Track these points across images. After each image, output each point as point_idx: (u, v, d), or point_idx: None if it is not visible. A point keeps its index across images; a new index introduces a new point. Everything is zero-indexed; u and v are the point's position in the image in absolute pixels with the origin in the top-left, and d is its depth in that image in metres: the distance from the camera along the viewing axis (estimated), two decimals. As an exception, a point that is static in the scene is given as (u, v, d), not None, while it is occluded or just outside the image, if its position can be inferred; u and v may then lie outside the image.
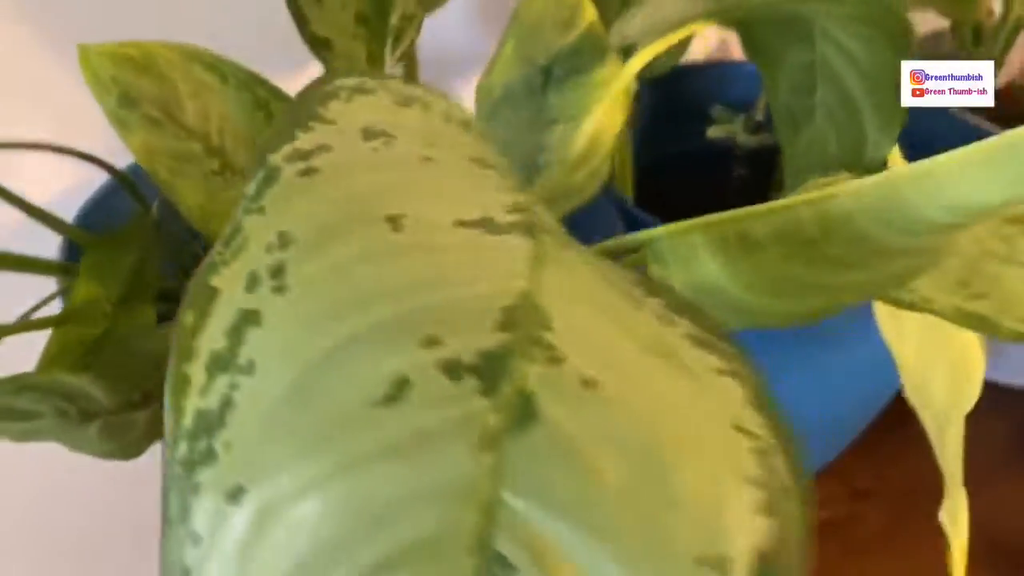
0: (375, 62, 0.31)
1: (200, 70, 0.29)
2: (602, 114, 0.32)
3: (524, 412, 0.14)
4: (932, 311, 0.23)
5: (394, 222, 0.16)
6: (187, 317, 0.15)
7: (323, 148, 0.16)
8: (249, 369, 0.14)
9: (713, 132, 0.55)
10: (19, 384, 0.28)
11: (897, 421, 0.41)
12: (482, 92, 0.35)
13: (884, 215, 0.19)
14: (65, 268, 0.33)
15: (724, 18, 0.32)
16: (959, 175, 0.18)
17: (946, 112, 0.54)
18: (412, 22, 0.32)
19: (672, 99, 0.59)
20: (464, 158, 0.18)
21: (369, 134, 0.18)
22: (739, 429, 0.15)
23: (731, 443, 0.14)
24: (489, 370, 0.14)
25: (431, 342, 0.14)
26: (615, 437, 0.14)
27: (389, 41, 0.32)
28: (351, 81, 0.18)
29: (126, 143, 0.28)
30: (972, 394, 0.42)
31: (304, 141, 0.16)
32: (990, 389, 0.68)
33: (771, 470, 0.14)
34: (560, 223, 0.22)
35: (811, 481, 0.56)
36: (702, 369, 0.16)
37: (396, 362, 0.14)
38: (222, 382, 0.14)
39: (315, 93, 0.18)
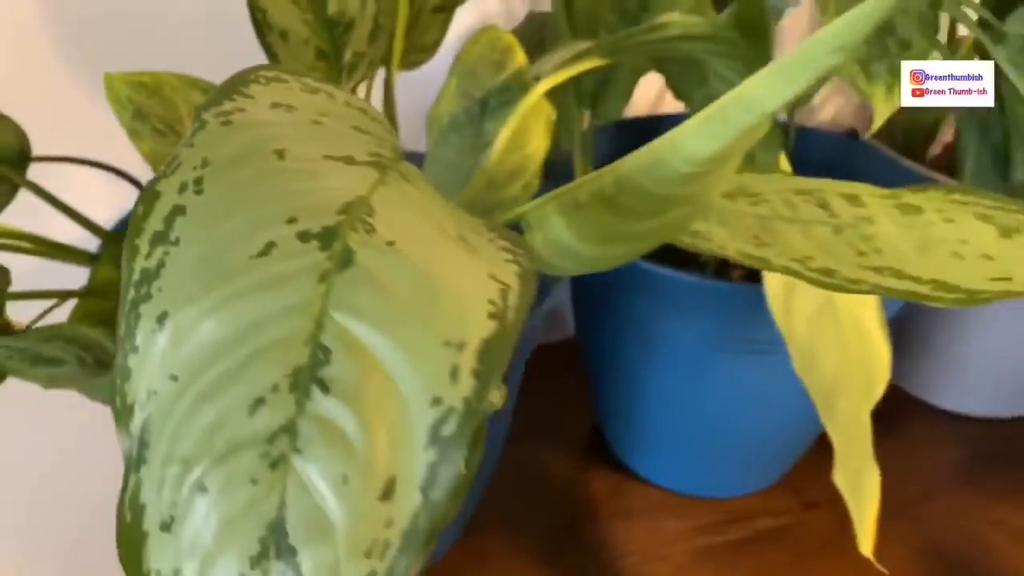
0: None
1: (197, 94, 0.37)
2: (520, 132, 0.40)
3: (346, 259, 0.22)
4: (724, 255, 0.30)
5: (280, 154, 0.24)
6: (139, 209, 0.23)
7: (239, 110, 0.25)
8: (176, 242, 0.22)
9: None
10: (49, 333, 0.36)
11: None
12: (432, 121, 0.43)
13: (649, 169, 0.26)
14: (96, 257, 0.41)
15: (607, 56, 0.39)
16: (688, 133, 0.25)
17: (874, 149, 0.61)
18: (363, 59, 0.40)
19: (635, 147, 0.65)
20: (347, 126, 0.26)
21: (276, 105, 0.26)
22: (495, 279, 0.22)
23: (485, 283, 0.22)
24: (327, 236, 0.22)
25: (292, 220, 0.22)
26: (404, 273, 0.21)
27: (344, 74, 0.40)
28: (271, 72, 0.27)
29: (137, 149, 0.36)
30: (873, 387, 0.47)
31: (227, 106, 0.25)
32: (946, 417, 0.74)
33: (505, 298, 0.21)
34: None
35: (764, 491, 0.61)
36: (493, 256, 0.24)
37: (268, 234, 0.22)
38: (159, 250, 0.22)
39: (242, 77, 0.26)
